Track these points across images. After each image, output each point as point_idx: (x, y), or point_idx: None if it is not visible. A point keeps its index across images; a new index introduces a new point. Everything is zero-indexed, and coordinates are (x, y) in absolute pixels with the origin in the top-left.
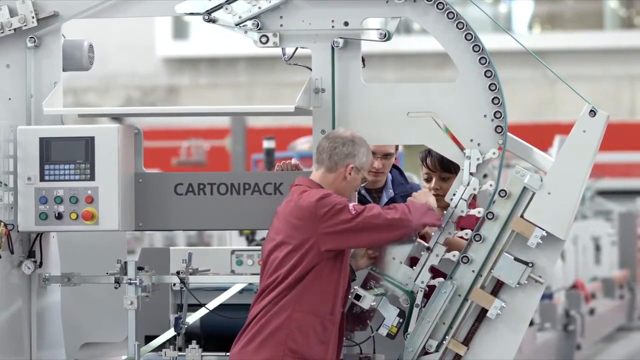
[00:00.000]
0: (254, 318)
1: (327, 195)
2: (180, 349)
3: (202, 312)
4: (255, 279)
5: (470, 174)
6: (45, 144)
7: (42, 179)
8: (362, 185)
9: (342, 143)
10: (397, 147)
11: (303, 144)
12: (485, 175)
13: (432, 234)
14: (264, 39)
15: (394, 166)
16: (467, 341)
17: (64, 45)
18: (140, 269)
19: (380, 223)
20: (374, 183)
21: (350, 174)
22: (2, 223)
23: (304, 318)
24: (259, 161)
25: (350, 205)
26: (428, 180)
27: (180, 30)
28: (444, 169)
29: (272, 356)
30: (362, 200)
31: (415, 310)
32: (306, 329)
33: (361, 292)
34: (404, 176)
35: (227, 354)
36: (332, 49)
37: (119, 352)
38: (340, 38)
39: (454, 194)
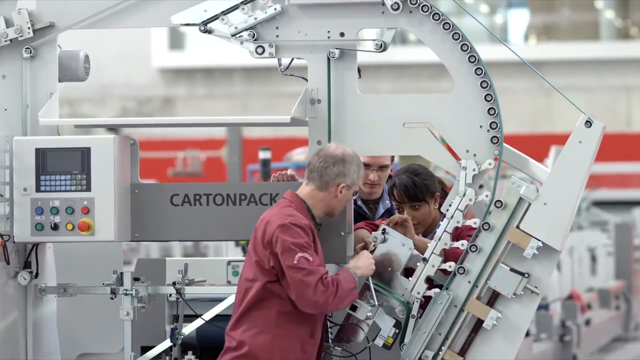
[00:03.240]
0: (234, 330)
1: (291, 227)
2: None
3: (198, 322)
4: None
5: (466, 184)
6: (41, 154)
7: (38, 190)
8: (354, 197)
9: (333, 162)
10: (392, 158)
11: (299, 155)
12: (481, 186)
13: (428, 245)
14: (259, 50)
15: (390, 177)
16: (463, 352)
17: (60, 56)
18: (136, 279)
19: (302, 292)
20: (370, 194)
21: (341, 192)
22: None
23: (284, 341)
24: (255, 172)
25: (298, 255)
26: (400, 211)
27: (176, 41)
28: (411, 199)
29: None
30: (358, 212)
31: (412, 321)
32: (287, 351)
33: (357, 302)
34: None
35: None
36: (328, 59)
37: None
38: (336, 49)
39: (450, 205)
